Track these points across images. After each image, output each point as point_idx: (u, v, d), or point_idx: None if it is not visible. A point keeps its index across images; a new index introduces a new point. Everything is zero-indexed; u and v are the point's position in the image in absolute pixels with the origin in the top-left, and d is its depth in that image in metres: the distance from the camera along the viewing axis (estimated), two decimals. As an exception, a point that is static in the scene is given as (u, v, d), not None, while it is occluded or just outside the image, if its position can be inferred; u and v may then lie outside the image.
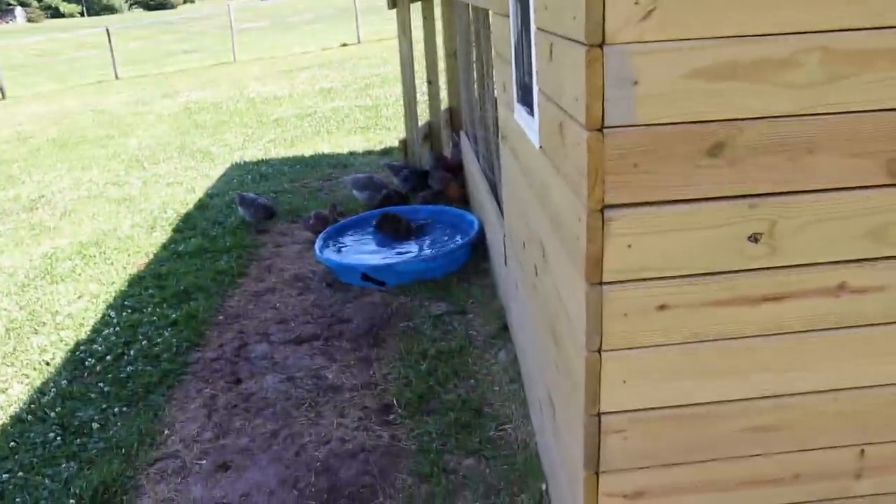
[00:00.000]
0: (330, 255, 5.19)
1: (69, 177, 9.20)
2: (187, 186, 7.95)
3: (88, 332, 4.68)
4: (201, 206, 7.10)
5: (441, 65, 7.58)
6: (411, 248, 5.31)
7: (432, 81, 7.33)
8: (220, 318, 4.70)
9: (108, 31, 23.43)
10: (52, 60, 28.48)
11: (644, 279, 1.87)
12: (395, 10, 6.90)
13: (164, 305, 4.90)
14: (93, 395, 3.92)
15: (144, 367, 4.14)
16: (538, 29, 2.25)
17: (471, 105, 6.18)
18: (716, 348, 1.95)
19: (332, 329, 4.39)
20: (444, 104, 7.68)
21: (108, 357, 4.27)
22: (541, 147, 2.42)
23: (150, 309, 4.86)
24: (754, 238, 1.84)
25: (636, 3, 1.64)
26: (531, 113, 2.60)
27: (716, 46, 1.68)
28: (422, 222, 5.57)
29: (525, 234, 2.99)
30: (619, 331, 1.91)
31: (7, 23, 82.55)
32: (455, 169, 6.54)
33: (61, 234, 6.77)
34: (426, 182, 6.55)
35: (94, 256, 6.01)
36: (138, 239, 6.34)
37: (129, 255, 5.97)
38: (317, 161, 8.42)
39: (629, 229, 1.82)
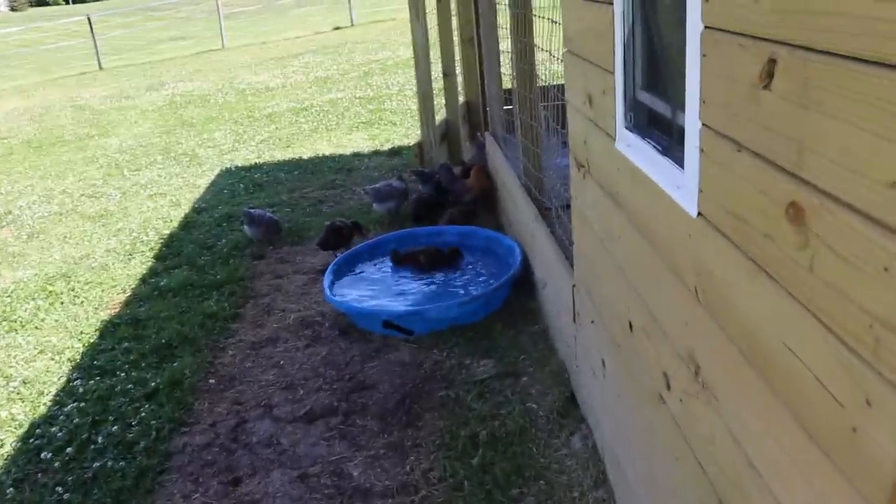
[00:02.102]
0: (343, 296, 4.27)
1: (41, 186, 8.26)
2: (171, 199, 7.02)
3: (48, 405, 3.78)
4: (188, 223, 6.18)
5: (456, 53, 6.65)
6: (440, 282, 4.42)
7: (448, 73, 6.39)
8: (211, 381, 3.81)
9: (89, 19, 22.33)
10: (35, 51, 27.28)
11: None
12: (404, -8, 5.97)
13: (143, 365, 4.00)
14: (46, 510, 3.03)
15: (115, 461, 3.24)
16: (723, 31, 1.33)
17: (499, 103, 5.26)
18: None
19: (352, 400, 3.50)
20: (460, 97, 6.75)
21: (70, 448, 3.37)
22: (701, 215, 1.52)
23: (124, 371, 3.96)
24: None
25: None
26: (669, 155, 1.69)
27: None
28: (448, 248, 4.64)
29: (639, 316, 2.10)
30: None
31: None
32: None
33: (26, 263, 5.86)
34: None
35: (62, 294, 5.10)
36: (114, 269, 5.43)
37: (102, 292, 5.06)
38: (317, 165, 7.48)
39: None
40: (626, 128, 2.00)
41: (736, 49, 1.26)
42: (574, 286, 3.06)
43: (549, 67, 4.17)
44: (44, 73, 21.41)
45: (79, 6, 63.55)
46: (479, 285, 4.27)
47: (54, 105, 14.71)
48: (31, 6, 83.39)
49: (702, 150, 1.47)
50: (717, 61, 1.35)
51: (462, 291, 4.27)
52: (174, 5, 38.63)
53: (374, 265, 4.73)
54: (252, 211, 5.51)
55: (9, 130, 12.49)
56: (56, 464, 3.29)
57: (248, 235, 5.47)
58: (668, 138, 1.76)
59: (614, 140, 2.11)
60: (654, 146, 1.80)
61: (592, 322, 2.77)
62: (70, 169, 8.97)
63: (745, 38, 1.22)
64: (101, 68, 20.39)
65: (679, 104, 1.63)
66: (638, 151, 1.92)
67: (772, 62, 1.14)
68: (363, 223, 5.26)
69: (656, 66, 1.83)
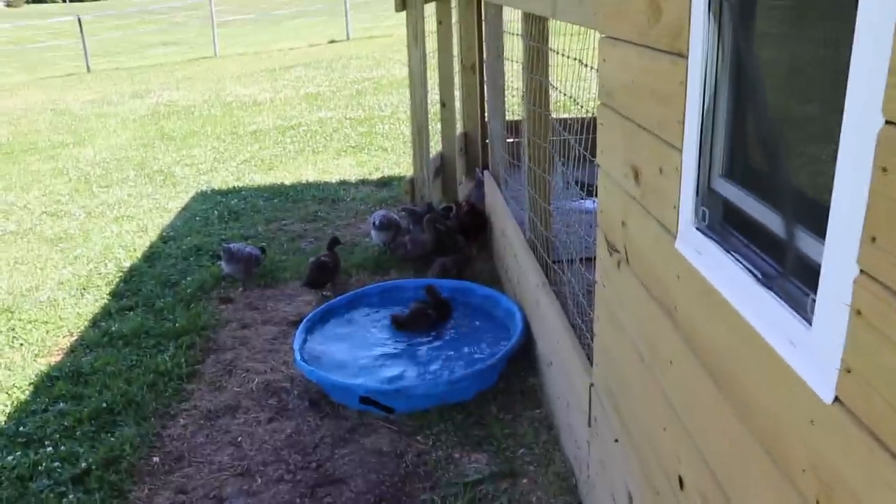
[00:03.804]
0: (318, 356, 3.71)
1: (2, 200, 7.66)
2: (139, 223, 6.43)
3: (-41, 482, 3.19)
4: (152, 254, 5.60)
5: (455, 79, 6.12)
6: (430, 346, 3.87)
7: (446, 103, 5.87)
8: (155, 460, 3.24)
9: (79, 19, 21.73)
10: (26, 49, 26.62)
11: None
12: (404, 13, 5.44)
13: (77, 434, 3.42)
14: None
15: (23, 570, 2.67)
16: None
17: (503, 142, 4.74)
18: None
19: (318, 497, 2.93)
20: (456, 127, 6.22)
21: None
22: (839, 402, 0.98)
23: (54, 443, 3.37)
24: None
25: None
26: (777, 291, 1.16)
27: None
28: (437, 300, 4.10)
29: (697, 477, 1.55)
30: None
31: (-15, 7, 79.77)
32: (479, 222, 5.11)
33: (-31, 292, 5.26)
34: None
35: (0, 334, 4.51)
36: (63, 306, 4.84)
37: (46, 333, 4.48)
38: (300, 193, 6.91)
39: None
40: (697, 228, 1.46)
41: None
42: (592, 385, 2.52)
43: (559, 98, 3.64)
44: (30, 72, 20.80)
45: (76, 5, 62.79)
46: (473, 355, 3.72)
47: (35, 107, 14.11)
48: (28, 3, 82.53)
49: (857, 312, 0.94)
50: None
51: (453, 354, 3.73)
52: (170, 10, 38.07)
53: (354, 320, 4.17)
54: (231, 246, 4.95)
55: (-18, 133, 11.88)
56: (-50, 570, 2.71)
57: (226, 273, 4.91)
58: (774, 262, 1.22)
59: (674, 238, 1.58)
60: (748, 268, 1.26)
61: (617, 441, 2.22)
62: (37, 181, 8.37)
63: None
64: (88, 71, 19.79)
65: (807, 223, 1.09)
66: (715, 265, 1.38)
67: None
68: (344, 266, 4.80)
69: (754, 149, 1.30)
